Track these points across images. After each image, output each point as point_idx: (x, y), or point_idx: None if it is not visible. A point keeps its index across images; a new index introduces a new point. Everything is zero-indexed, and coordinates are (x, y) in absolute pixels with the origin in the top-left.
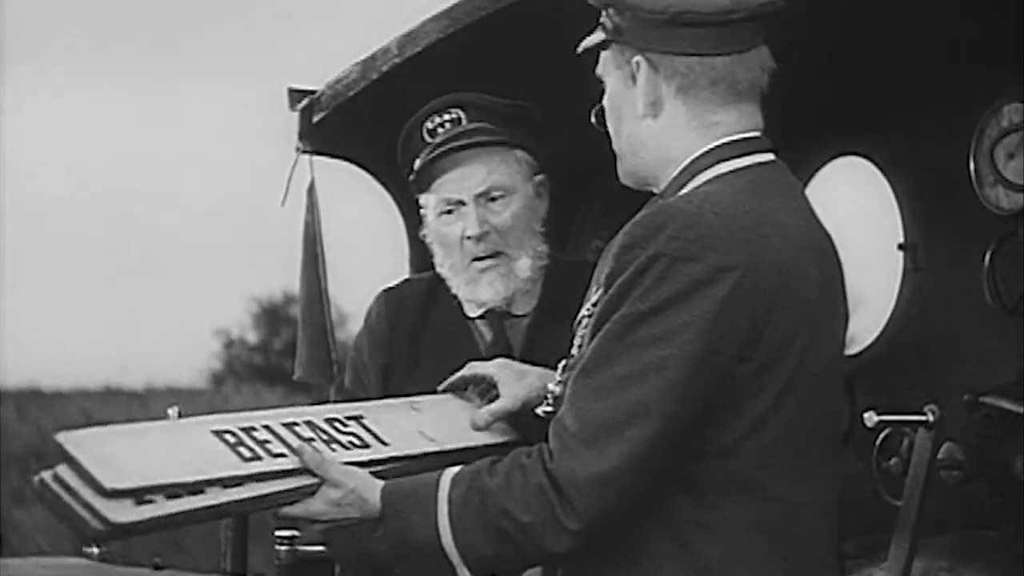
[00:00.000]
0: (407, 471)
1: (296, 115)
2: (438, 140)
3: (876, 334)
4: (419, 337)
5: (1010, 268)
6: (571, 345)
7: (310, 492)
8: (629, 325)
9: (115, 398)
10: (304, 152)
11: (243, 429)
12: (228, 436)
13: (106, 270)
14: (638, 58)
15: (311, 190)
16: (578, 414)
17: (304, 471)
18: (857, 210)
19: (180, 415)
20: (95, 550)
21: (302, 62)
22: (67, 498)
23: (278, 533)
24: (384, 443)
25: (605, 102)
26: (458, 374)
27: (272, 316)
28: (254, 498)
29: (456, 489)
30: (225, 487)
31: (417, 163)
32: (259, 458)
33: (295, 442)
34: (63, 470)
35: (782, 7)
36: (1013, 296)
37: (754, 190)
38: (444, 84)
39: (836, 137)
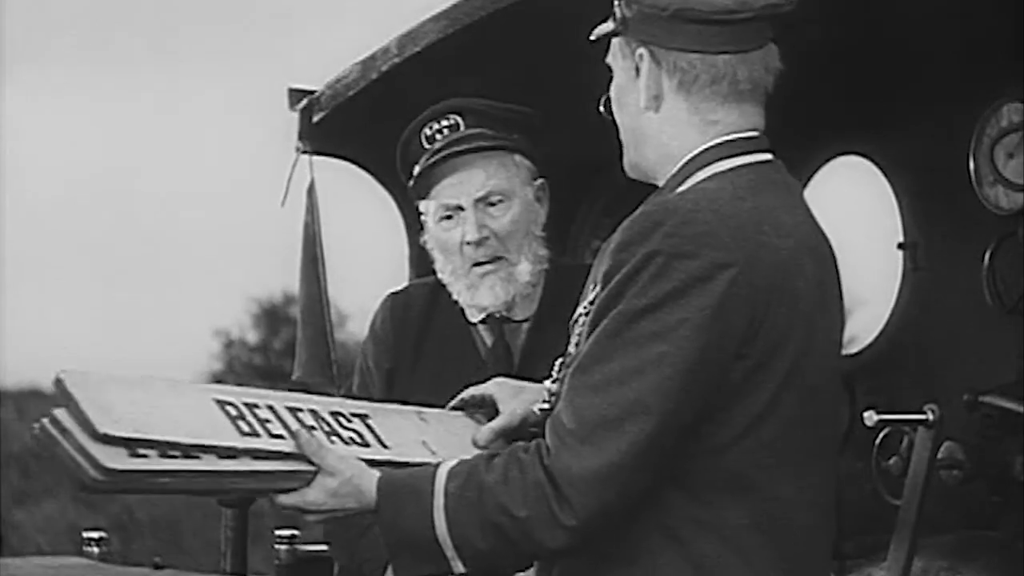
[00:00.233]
0: None
1: (296, 115)
2: (436, 146)
3: (876, 333)
4: (422, 342)
5: (1010, 268)
6: (567, 343)
7: (306, 478)
8: (626, 322)
9: None
10: (304, 152)
11: (246, 404)
12: (230, 408)
13: (106, 270)
14: (641, 51)
15: (311, 190)
16: (575, 410)
17: (301, 457)
18: (857, 209)
19: None
20: (95, 549)
21: (302, 62)
22: (63, 441)
23: (278, 532)
24: (385, 446)
25: (612, 93)
26: (458, 397)
27: (272, 316)
28: (249, 472)
29: (453, 482)
30: (220, 457)
31: (416, 169)
32: (256, 435)
33: (295, 426)
34: (61, 414)
35: (788, 10)
36: (1013, 295)
37: (752, 188)
38: (444, 84)
39: (836, 137)
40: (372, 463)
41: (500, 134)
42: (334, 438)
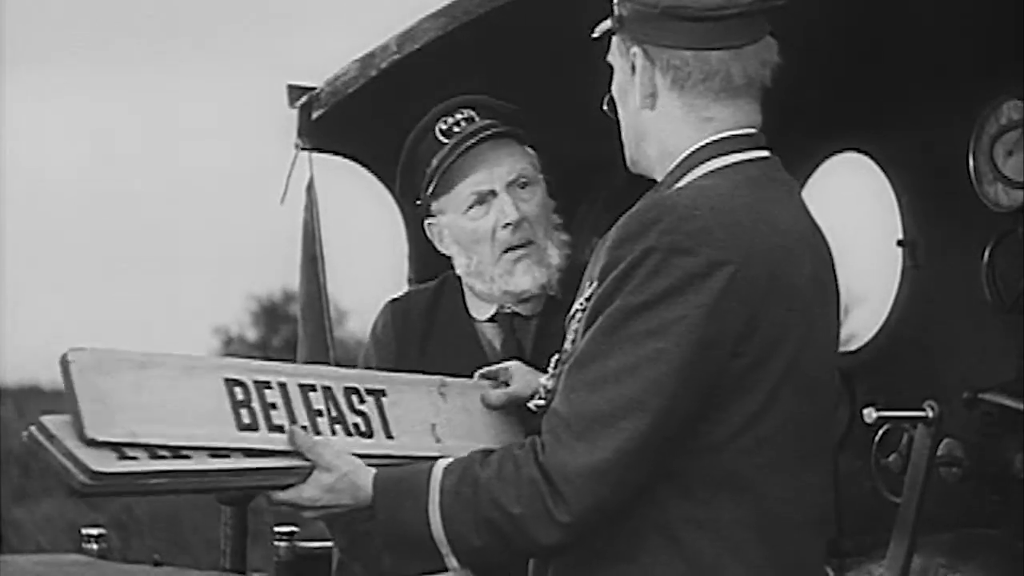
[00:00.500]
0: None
1: (295, 112)
2: (457, 139)
3: (875, 331)
4: (425, 345)
5: (1009, 265)
6: (563, 339)
7: (302, 474)
8: (623, 319)
9: None
10: (303, 149)
11: (257, 383)
12: (238, 390)
13: (106, 268)
14: (636, 49)
15: (310, 188)
16: (571, 407)
17: (297, 453)
18: (857, 206)
19: None
20: (94, 547)
21: (302, 62)
22: (50, 447)
23: (277, 529)
24: (389, 435)
25: (613, 89)
26: (476, 375)
27: (271, 314)
28: (242, 470)
29: (448, 479)
30: (212, 455)
31: (434, 163)
32: (255, 428)
33: (302, 411)
34: (48, 420)
35: (777, 5)
36: (1012, 293)
37: (749, 185)
38: (443, 81)
39: (836, 134)
40: (371, 458)
41: (511, 126)
42: (337, 426)
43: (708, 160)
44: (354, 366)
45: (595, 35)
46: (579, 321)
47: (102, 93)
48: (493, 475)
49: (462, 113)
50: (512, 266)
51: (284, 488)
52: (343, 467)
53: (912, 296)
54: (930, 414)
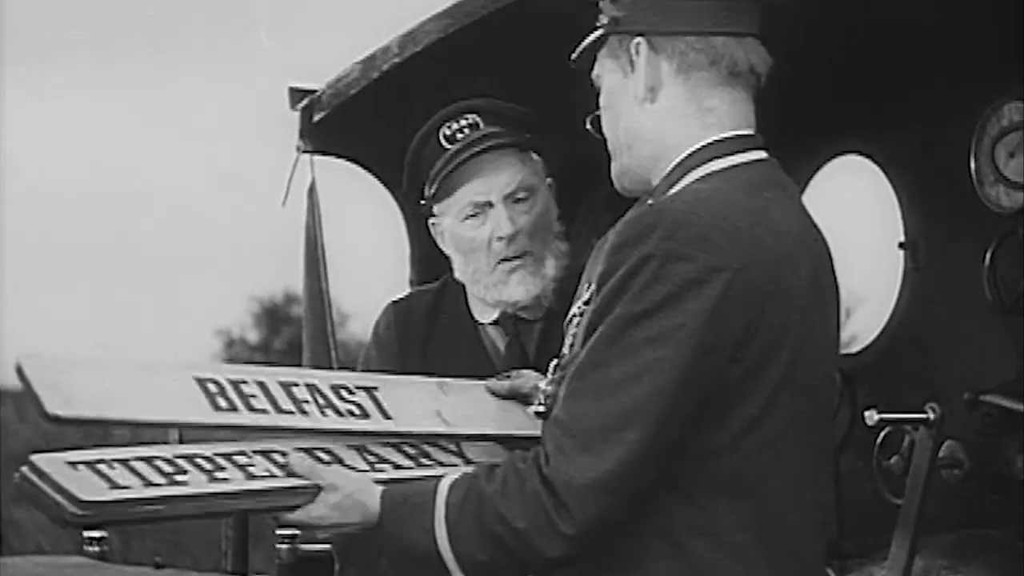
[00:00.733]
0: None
1: (297, 114)
2: (459, 146)
3: (877, 332)
4: (427, 346)
5: (1010, 267)
6: (562, 344)
7: (307, 494)
8: (622, 327)
9: None
10: (305, 151)
11: (231, 380)
12: (211, 385)
13: (106, 270)
14: (638, 40)
15: (312, 191)
16: (573, 418)
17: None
18: (858, 209)
19: (181, 440)
20: (95, 548)
21: (303, 63)
22: (40, 483)
23: (279, 532)
24: (387, 416)
25: (602, 103)
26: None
27: (273, 316)
28: (242, 492)
29: (454, 494)
30: (209, 479)
31: (435, 168)
32: (234, 410)
33: (286, 402)
34: (38, 458)
35: None
36: (1013, 294)
37: (747, 188)
38: (445, 83)
39: (837, 136)
40: (369, 434)
41: (516, 132)
42: (328, 411)
43: (706, 162)
44: (355, 368)
45: (574, 56)
46: (577, 325)
47: (102, 93)
48: (498, 489)
49: (466, 119)
50: (506, 276)
51: (289, 509)
52: (348, 486)
53: (913, 298)
54: (931, 416)
